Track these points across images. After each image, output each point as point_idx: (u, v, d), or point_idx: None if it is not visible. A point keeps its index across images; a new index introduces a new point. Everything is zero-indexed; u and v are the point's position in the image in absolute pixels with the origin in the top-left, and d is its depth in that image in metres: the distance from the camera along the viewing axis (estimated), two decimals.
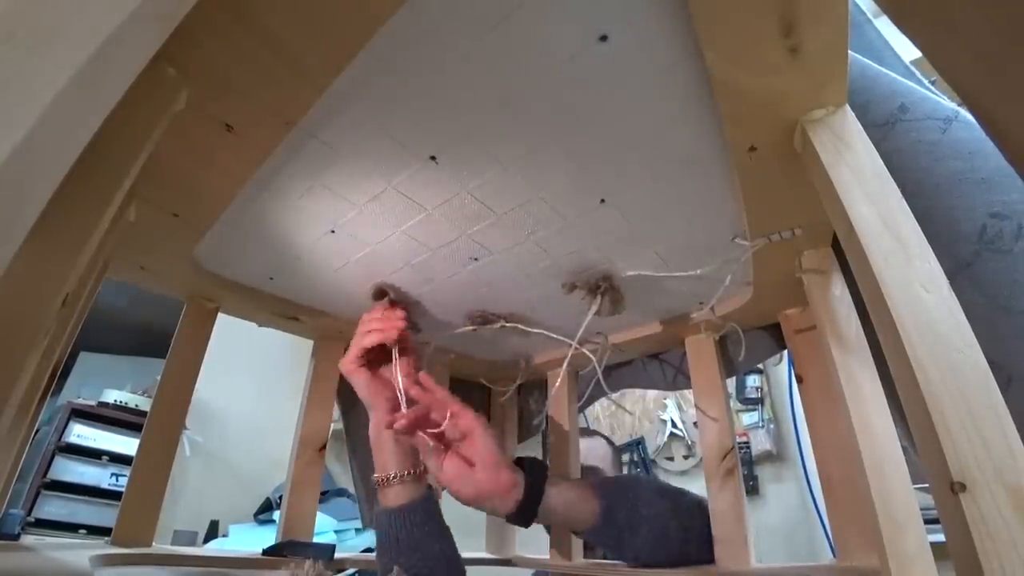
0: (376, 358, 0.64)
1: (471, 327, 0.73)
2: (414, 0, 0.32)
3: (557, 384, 0.77)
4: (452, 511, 0.91)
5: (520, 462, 0.62)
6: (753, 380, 2.19)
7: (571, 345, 0.64)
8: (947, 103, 0.48)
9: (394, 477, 0.61)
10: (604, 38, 0.34)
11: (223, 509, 2.20)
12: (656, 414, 2.59)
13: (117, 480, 2.13)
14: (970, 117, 0.45)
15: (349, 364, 0.63)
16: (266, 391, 2.38)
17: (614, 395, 0.77)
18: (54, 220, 0.28)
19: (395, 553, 0.59)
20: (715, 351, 0.73)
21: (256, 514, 2.18)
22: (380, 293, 0.66)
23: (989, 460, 0.25)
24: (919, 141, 0.46)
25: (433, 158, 0.46)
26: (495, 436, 0.61)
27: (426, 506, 0.63)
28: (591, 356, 0.67)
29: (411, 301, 0.69)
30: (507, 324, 0.72)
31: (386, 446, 0.63)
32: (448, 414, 0.59)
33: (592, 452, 1.02)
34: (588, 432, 1.11)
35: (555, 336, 0.67)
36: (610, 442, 1.11)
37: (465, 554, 0.86)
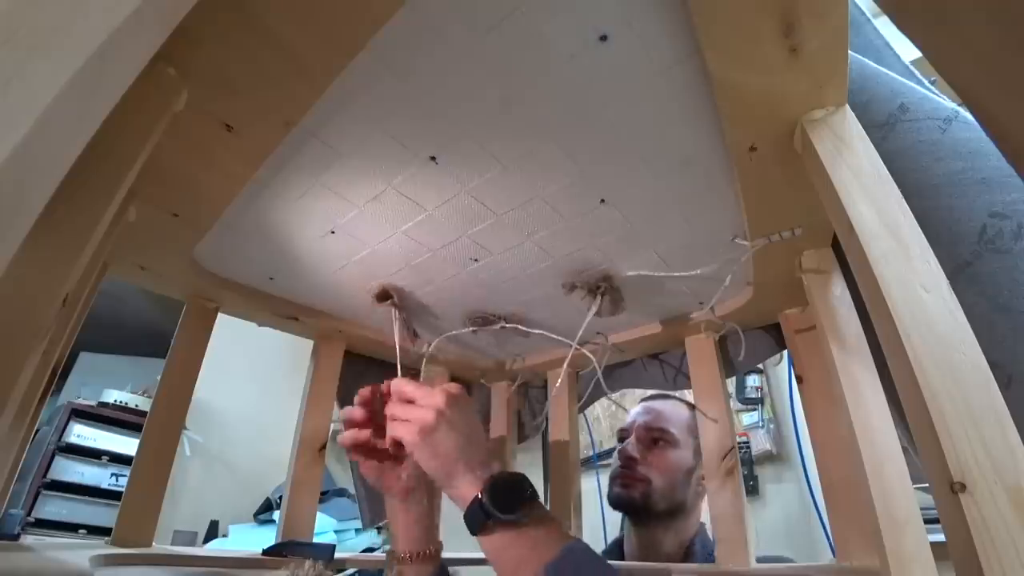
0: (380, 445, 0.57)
1: (471, 328, 0.73)
2: (414, 0, 0.32)
3: (557, 384, 0.77)
4: (453, 511, 0.91)
5: (502, 483, 0.48)
6: (753, 380, 2.18)
7: (571, 345, 0.64)
8: (947, 103, 0.48)
9: (407, 557, 0.56)
10: (604, 38, 0.34)
11: (223, 509, 2.20)
12: None
13: (117, 480, 2.13)
14: (970, 117, 0.45)
15: (354, 456, 0.57)
16: (266, 391, 2.38)
17: (614, 395, 0.77)
18: (54, 220, 0.28)
19: None
20: (715, 351, 0.73)
21: (256, 514, 2.18)
22: (384, 295, 0.66)
23: (989, 460, 0.25)
24: (919, 141, 0.46)
25: (433, 158, 0.46)
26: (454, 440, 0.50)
27: None
28: (591, 356, 0.67)
29: (413, 303, 0.69)
30: (507, 325, 0.72)
31: (399, 521, 0.58)
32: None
33: (675, 418, 0.88)
34: (663, 396, 0.94)
35: (555, 336, 0.67)
36: (691, 405, 0.91)
37: (465, 554, 0.86)
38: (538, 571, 0.42)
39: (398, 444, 0.51)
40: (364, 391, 0.57)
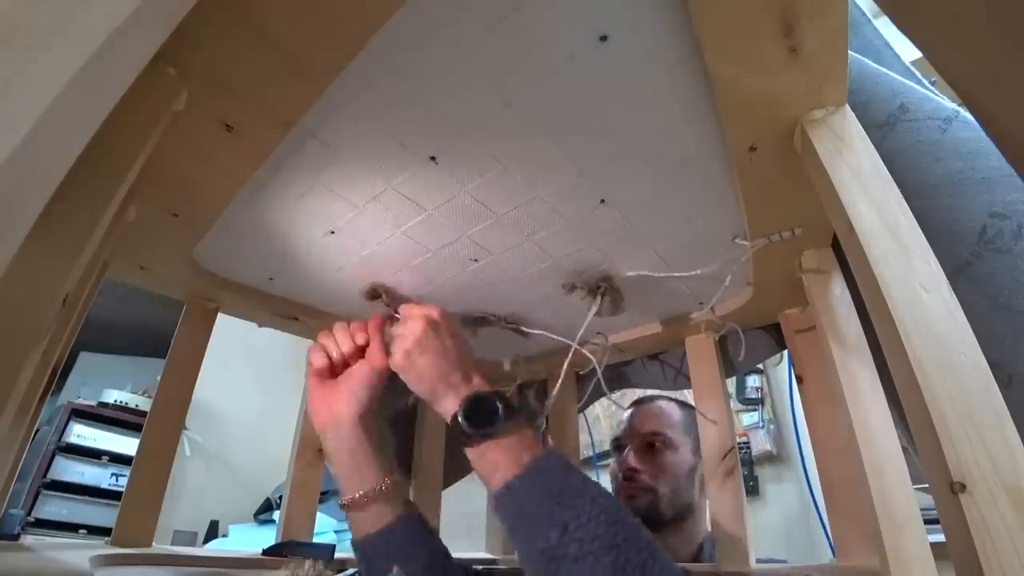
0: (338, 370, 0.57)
1: (471, 328, 0.73)
2: (414, 0, 0.32)
3: (557, 384, 0.77)
4: (453, 511, 0.91)
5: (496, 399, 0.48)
6: (753, 380, 2.18)
7: (571, 345, 0.64)
8: (947, 103, 0.48)
9: (361, 497, 0.52)
10: (604, 38, 0.34)
11: (223, 509, 2.20)
12: None
13: (117, 480, 2.13)
14: (970, 117, 0.45)
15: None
16: (266, 391, 2.38)
17: (614, 395, 0.76)
18: (54, 220, 0.28)
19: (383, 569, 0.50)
20: (715, 351, 0.73)
21: (256, 514, 2.18)
22: (373, 294, 0.66)
23: (989, 460, 0.25)
24: (919, 141, 0.46)
25: (433, 158, 0.45)
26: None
27: (408, 526, 0.53)
28: (591, 356, 0.67)
29: (404, 301, 0.69)
30: (507, 325, 0.72)
31: (346, 457, 0.53)
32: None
33: (668, 419, 0.86)
34: (652, 397, 0.93)
35: (555, 336, 0.66)
36: (680, 403, 0.91)
37: (465, 554, 0.86)
38: (510, 475, 0.44)
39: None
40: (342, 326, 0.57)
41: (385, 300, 0.66)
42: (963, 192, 0.43)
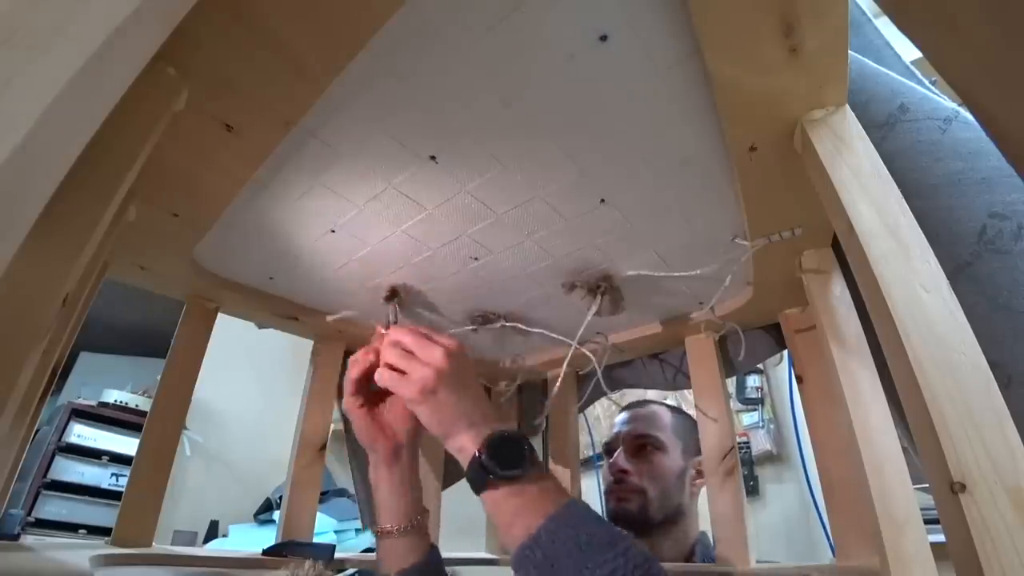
0: (376, 397, 0.57)
1: (471, 327, 0.73)
2: (414, 0, 0.32)
3: (557, 384, 0.77)
4: (452, 511, 0.91)
5: (505, 441, 0.47)
6: (753, 380, 2.18)
7: (571, 345, 0.64)
8: (947, 103, 0.48)
9: (394, 529, 0.53)
10: (604, 38, 0.34)
11: (223, 509, 2.20)
12: None
13: (117, 480, 2.13)
14: (970, 117, 0.45)
15: (348, 402, 0.56)
16: (266, 391, 2.38)
17: (614, 395, 0.76)
18: (54, 220, 0.28)
19: None
20: (715, 351, 0.73)
21: (256, 514, 2.18)
22: (392, 293, 0.66)
23: (989, 460, 0.25)
24: (919, 141, 0.46)
25: (433, 158, 0.46)
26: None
27: (434, 563, 0.54)
28: (591, 356, 0.67)
29: (420, 301, 0.69)
30: (507, 324, 0.72)
31: (384, 487, 0.55)
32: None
33: (658, 422, 0.87)
34: (642, 402, 0.94)
35: (555, 336, 0.66)
36: (674, 409, 0.92)
37: (465, 554, 0.86)
38: (535, 524, 0.41)
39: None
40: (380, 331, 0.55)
41: (393, 310, 0.66)
42: (963, 192, 0.43)
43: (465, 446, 0.47)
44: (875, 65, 0.50)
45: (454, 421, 0.47)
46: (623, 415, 0.93)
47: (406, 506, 0.54)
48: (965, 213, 0.43)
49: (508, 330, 0.73)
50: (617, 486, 0.84)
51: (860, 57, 0.50)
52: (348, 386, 0.55)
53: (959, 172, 0.44)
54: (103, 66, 0.18)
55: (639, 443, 0.85)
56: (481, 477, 0.45)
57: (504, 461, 0.45)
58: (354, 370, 0.55)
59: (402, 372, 0.49)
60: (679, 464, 0.84)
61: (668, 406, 0.92)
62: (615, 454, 0.87)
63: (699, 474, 0.84)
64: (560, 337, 0.66)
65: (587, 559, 0.38)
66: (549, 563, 0.39)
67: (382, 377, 0.50)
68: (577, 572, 0.38)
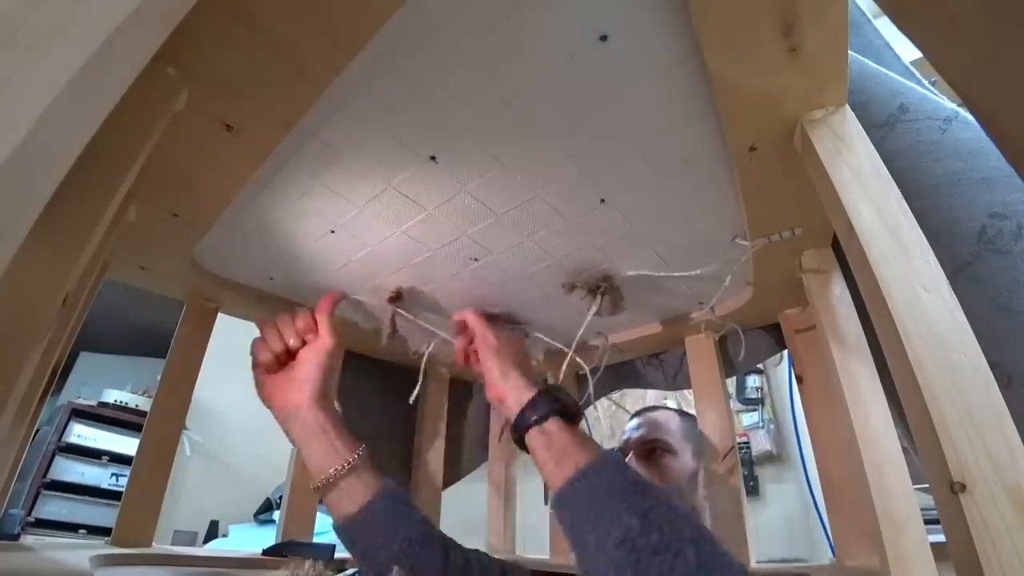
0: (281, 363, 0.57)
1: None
2: (414, 0, 0.32)
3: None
4: (453, 511, 0.91)
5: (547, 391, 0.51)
6: (753, 380, 2.18)
7: (570, 346, 0.64)
8: (947, 103, 0.48)
9: (335, 473, 0.51)
10: (604, 38, 0.34)
11: (223, 509, 2.20)
12: None
13: (117, 480, 2.14)
14: (970, 117, 0.45)
15: (260, 368, 0.56)
16: None
17: (614, 395, 0.76)
18: (54, 220, 0.28)
19: (377, 551, 0.50)
20: (715, 351, 0.73)
21: (256, 514, 2.18)
22: (396, 295, 0.67)
23: (989, 460, 0.25)
24: (919, 141, 0.46)
25: (433, 158, 0.45)
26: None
27: (389, 501, 0.52)
28: (591, 357, 0.67)
29: (425, 301, 0.70)
30: (507, 325, 0.72)
31: (311, 437, 0.53)
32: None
33: (668, 426, 0.87)
34: (651, 408, 0.96)
35: (554, 343, 0.67)
36: (683, 413, 0.92)
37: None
38: (583, 465, 0.43)
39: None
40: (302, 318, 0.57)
41: (392, 313, 0.67)
42: (963, 192, 0.43)
43: (523, 388, 0.52)
44: (875, 65, 0.50)
45: (512, 365, 0.55)
46: (632, 421, 0.93)
47: (339, 447, 0.53)
48: (965, 213, 0.43)
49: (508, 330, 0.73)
50: None
51: (860, 57, 0.50)
52: (265, 354, 0.56)
53: (959, 172, 0.44)
54: (103, 66, 0.18)
55: (649, 447, 0.85)
56: (544, 412, 0.49)
57: (556, 404, 0.49)
58: (273, 346, 0.56)
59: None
60: (691, 466, 0.84)
61: (677, 411, 0.93)
62: (626, 459, 0.87)
63: None
64: (559, 345, 0.66)
65: (634, 493, 0.40)
66: (598, 498, 0.41)
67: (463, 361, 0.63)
68: (626, 505, 0.39)
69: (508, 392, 0.52)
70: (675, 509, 0.39)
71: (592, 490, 0.42)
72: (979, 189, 0.43)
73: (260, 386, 0.56)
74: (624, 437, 0.91)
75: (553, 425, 0.47)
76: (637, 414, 0.95)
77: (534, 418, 0.48)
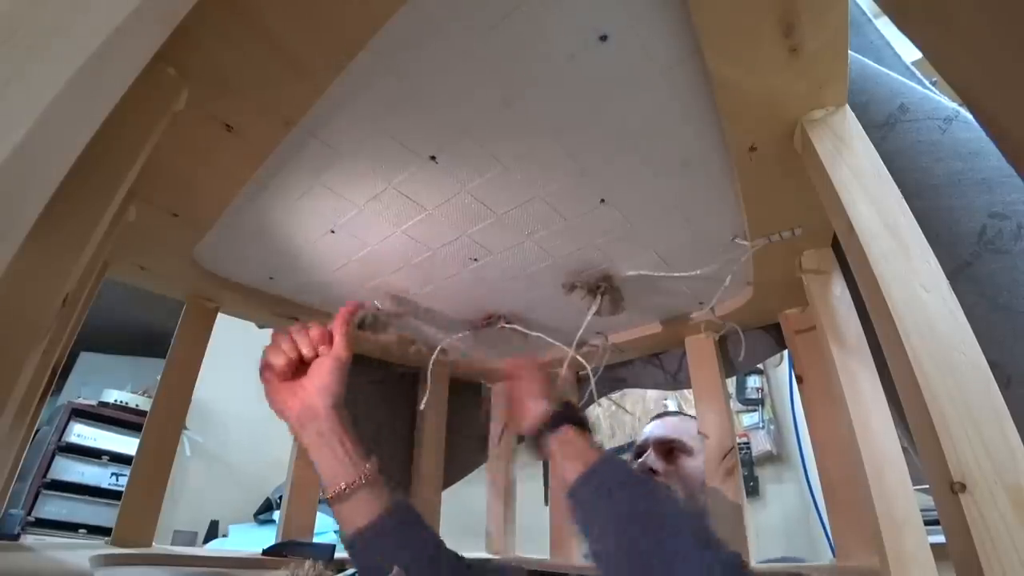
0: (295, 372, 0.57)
1: (471, 328, 0.73)
2: (414, 0, 0.32)
3: (557, 384, 0.77)
4: (452, 511, 0.91)
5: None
6: (753, 380, 2.18)
7: (571, 344, 0.64)
8: (947, 103, 0.47)
9: (350, 486, 0.52)
10: (604, 38, 0.34)
11: (223, 509, 2.20)
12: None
13: (117, 480, 2.13)
14: (970, 117, 0.45)
15: (268, 375, 0.56)
16: None
17: (614, 395, 0.76)
18: (54, 220, 0.28)
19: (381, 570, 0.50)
20: (715, 351, 0.73)
21: (256, 514, 2.18)
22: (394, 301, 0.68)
23: (989, 460, 0.25)
24: (919, 141, 0.46)
25: (433, 158, 0.45)
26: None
27: (400, 515, 0.53)
28: (591, 357, 0.67)
29: (416, 308, 0.70)
30: (507, 324, 0.72)
31: (325, 448, 0.53)
32: None
33: (685, 430, 0.92)
34: (671, 413, 1.03)
35: (555, 341, 0.67)
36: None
37: (465, 554, 0.85)
38: (591, 460, 0.51)
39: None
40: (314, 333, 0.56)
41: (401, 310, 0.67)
42: (963, 192, 0.43)
43: (537, 413, 0.57)
44: (875, 65, 0.50)
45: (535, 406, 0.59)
46: (653, 423, 0.97)
47: (354, 460, 0.53)
48: (965, 213, 0.43)
49: (508, 331, 0.73)
50: None
51: (860, 57, 0.50)
52: (279, 361, 0.55)
53: (959, 172, 0.44)
54: (103, 66, 0.18)
55: (668, 446, 0.89)
56: (560, 420, 0.55)
57: (571, 415, 0.56)
58: (287, 355, 0.55)
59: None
60: (704, 469, 0.86)
61: (693, 418, 0.97)
62: (645, 455, 0.91)
63: None
64: (558, 344, 0.66)
65: (634, 487, 0.49)
66: (605, 487, 0.50)
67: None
68: (640, 488, 0.49)
69: (534, 410, 0.57)
70: (670, 497, 0.47)
71: (600, 482, 0.49)
72: (979, 189, 0.43)
73: (274, 393, 0.56)
74: (644, 436, 0.96)
75: (569, 432, 0.54)
76: (657, 416, 1.00)
77: (554, 426, 0.54)
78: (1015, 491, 0.24)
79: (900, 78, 0.49)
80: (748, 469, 2.07)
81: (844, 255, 0.38)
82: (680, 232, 0.54)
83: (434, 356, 0.76)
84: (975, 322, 0.28)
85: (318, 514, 0.76)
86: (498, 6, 0.33)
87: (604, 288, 0.61)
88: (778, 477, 2.09)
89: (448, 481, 0.93)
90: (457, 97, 0.39)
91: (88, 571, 0.49)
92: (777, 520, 2.00)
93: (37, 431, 0.98)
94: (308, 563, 0.57)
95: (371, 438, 0.92)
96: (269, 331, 0.79)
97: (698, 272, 0.56)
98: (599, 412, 2.71)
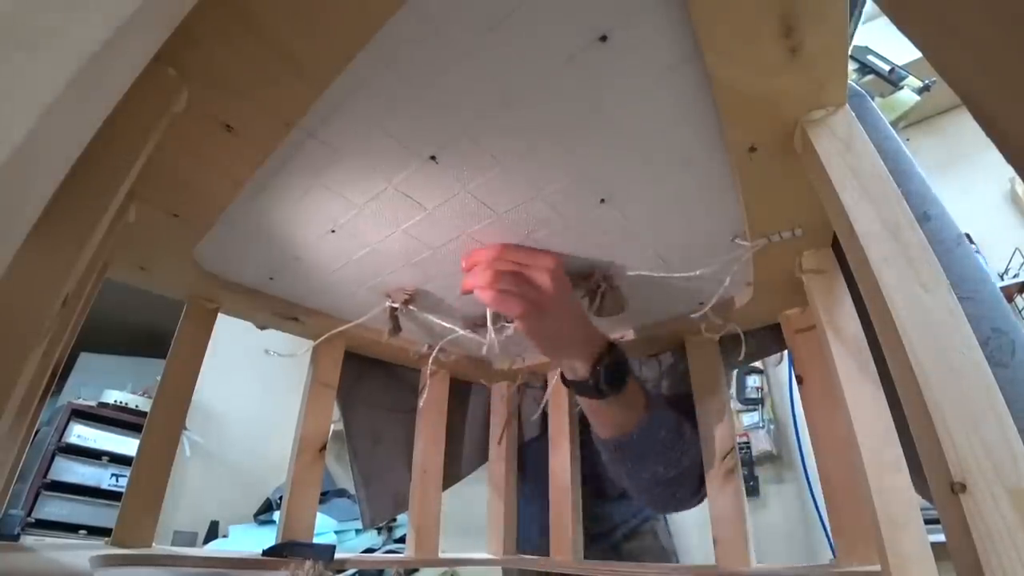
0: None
1: (471, 327, 0.73)
2: (414, 0, 0.32)
3: (551, 385, 0.77)
4: (453, 511, 0.91)
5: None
6: (753, 380, 2.19)
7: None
8: (955, 225, 0.48)
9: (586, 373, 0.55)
10: (604, 38, 0.34)
11: (223, 510, 2.20)
12: None
13: (117, 480, 2.14)
14: (971, 246, 0.47)
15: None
16: (266, 391, 2.38)
17: None
18: (54, 220, 0.28)
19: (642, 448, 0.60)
20: (715, 351, 0.73)
21: (256, 514, 2.18)
22: (408, 300, 0.68)
23: (989, 460, 0.25)
24: (937, 243, 0.46)
25: (433, 158, 0.46)
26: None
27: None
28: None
29: (431, 302, 0.70)
30: (507, 324, 0.72)
31: (579, 332, 0.55)
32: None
33: None
34: None
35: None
36: None
37: (465, 554, 0.86)
38: (630, 424, 0.55)
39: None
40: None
41: (393, 319, 0.68)
42: (976, 305, 0.44)
43: (577, 367, 0.56)
44: (911, 159, 0.49)
45: (564, 345, 0.55)
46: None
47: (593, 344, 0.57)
48: (975, 322, 0.43)
49: (508, 330, 0.73)
50: None
51: (898, 138, 0.49)
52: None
53: (973, 288, 0.45)
54: (104, 67, 0.18)
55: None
56: (590, 393, 0.55)
57: (611, 381, 0.55)
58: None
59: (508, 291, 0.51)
60: None
61: None
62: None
63: None
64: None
65: (665, 450, 0.56)
66: (638, 452, 0.55)
67: (493, 299, 0.51)
68: (656, 459, 0.56)
69: (566, 367, 0.56)
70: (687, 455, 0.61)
71: (631, 448, 0.58)
72: (983, 307, 0.44)
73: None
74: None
75: (634, 384, 0.57)
76: None
77: (614, 375, 0.55)
78: (1015, 491, 0.24)
79: (929, 185, 0.49)
80: (748, 469, 2.07)
81: (844, 255, 0.38)
82: (680, 232, 0.54)
83: (433, 355, 0.76)
84: None
85: (318, 514, 0.76)
86: (498, 6, 0.33)
87: (604, 288, 0.61)
88: (778, 477, 2.09)
89: (448, 482, 0.93)
90: (457, 97, 0.39)
91: (88, 572, 0.49)
92: (777, 520, 2.00)
93: (37, 432, 0.98)
94: (308, 563, 0.57)
95: (371, 438, 0.92)
96: (269, 331, 0.79)
97: (698, 272, 0.56)
98: None
